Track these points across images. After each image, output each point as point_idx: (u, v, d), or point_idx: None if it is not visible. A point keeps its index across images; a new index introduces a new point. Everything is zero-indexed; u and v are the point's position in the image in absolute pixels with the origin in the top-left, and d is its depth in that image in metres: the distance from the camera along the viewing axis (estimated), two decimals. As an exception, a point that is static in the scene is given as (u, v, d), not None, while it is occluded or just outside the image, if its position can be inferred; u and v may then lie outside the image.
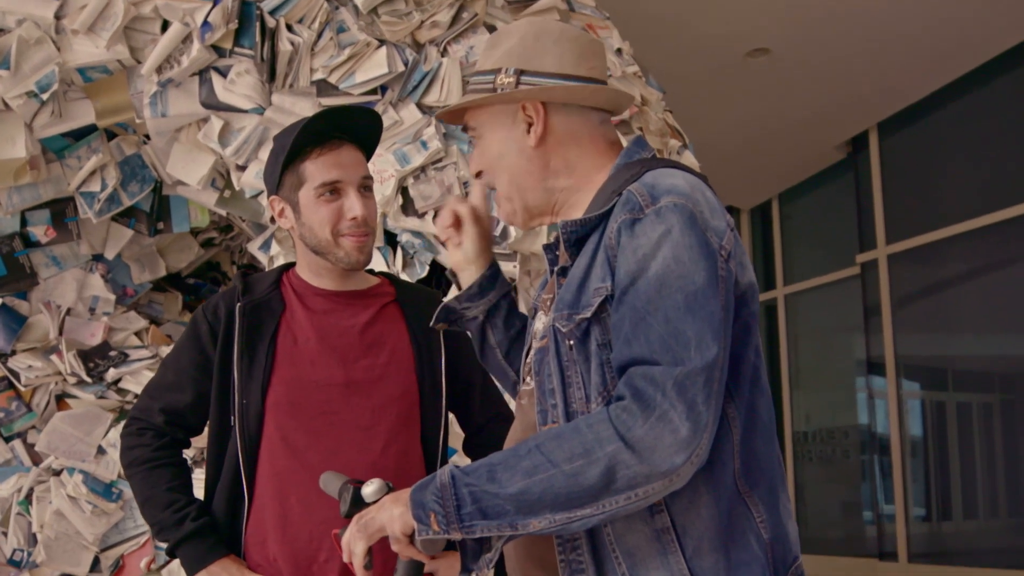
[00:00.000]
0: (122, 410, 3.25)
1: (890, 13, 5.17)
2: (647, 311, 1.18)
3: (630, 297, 1.20)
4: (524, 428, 1.37)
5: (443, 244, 1.68)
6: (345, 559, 1.28)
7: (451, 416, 1.97)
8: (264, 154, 3.10)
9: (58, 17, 3.10)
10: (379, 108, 2.94)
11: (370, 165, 1.94)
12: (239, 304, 1.82)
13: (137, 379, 3.27)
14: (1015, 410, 6.17)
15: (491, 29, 3.06)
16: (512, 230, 2.84)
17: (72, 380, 3.28)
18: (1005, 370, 6.25)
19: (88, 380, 3.26)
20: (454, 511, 1.17)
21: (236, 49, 3.04)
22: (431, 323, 1.63)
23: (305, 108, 3.02)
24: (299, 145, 1.77)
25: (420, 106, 2.99)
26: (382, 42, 3.00)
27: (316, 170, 1.78)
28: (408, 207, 2.97)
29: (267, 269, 3.25)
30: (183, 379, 1.85)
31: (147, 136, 3.30)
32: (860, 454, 7.52)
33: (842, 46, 5.57)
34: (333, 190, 1.78)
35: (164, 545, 1.87)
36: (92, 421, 3.18)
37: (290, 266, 1.93)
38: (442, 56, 3.02)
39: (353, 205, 1.78)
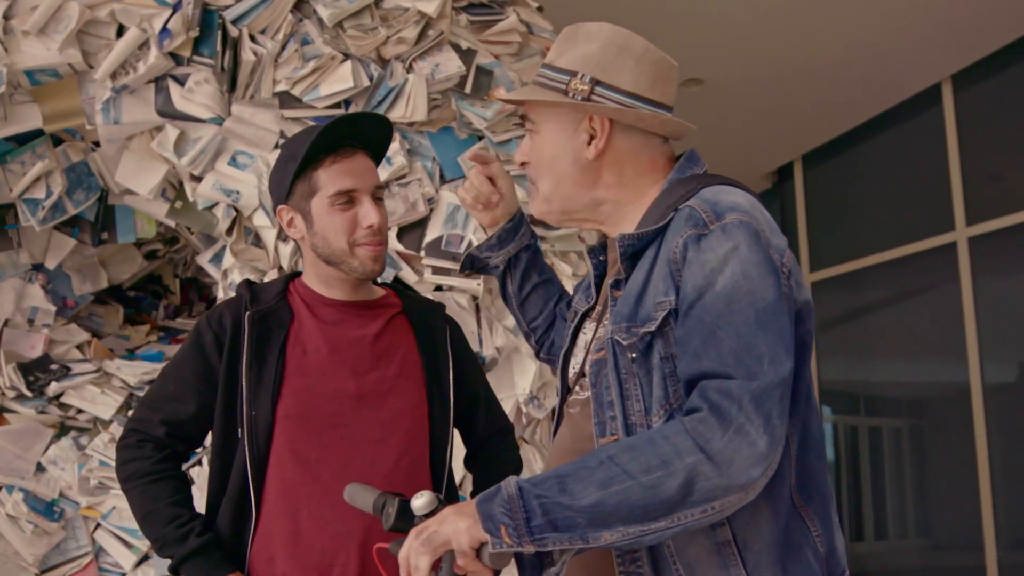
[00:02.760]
0: (63, 425, 3.12)
1: (815, 51, 5.37)
2: (717, 325, 1.18)
3: (698, 311, 1.20)
4: (576, 438, 1.36)
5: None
6: (403, 575, 1.22)
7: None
8: (222, 165, 3.04)
9: (7, 17, 3.00)
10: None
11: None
12: (247, 313, 1.77)
13: (80, 393, 3.14)
14: (923, 434, 6.41)
15: (456, 48, 3.07)
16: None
17: (11, 394, 3.14)
18: (915, 396, 6.49)
19: (28, 394, 3.13)
20: (524, 524, 1.14)
21: (195, 57, 2.98)
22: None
23: (266, 120, 2.98)
24: (312, 153, 1.73)
25: (385, 121, 2.98)
26: (347, 56, 2.98)
27: (330, 179, 1.74)
28: (371, 222, 2.94)
29: (219, 282, 3.18)
30: (185, 390, 1.78)
31: (95, 143, 3.20)
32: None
33: (770, 79, 5.76)
34: (348, 199, 1.75)
35: (142, 566, 1.80)
36: (32, 437, 3.05)
37: (295, 276, 1.88)
38: (408, 72, 3.01)
39: (368, 213, 1.75)
